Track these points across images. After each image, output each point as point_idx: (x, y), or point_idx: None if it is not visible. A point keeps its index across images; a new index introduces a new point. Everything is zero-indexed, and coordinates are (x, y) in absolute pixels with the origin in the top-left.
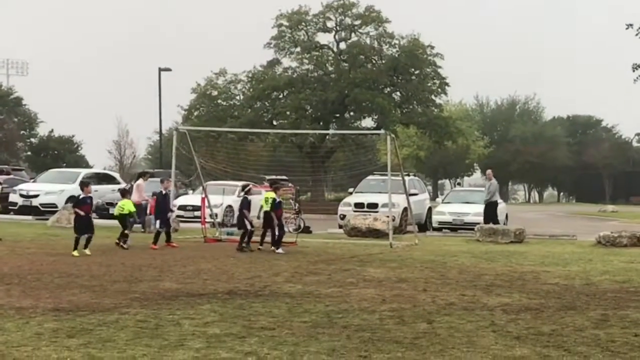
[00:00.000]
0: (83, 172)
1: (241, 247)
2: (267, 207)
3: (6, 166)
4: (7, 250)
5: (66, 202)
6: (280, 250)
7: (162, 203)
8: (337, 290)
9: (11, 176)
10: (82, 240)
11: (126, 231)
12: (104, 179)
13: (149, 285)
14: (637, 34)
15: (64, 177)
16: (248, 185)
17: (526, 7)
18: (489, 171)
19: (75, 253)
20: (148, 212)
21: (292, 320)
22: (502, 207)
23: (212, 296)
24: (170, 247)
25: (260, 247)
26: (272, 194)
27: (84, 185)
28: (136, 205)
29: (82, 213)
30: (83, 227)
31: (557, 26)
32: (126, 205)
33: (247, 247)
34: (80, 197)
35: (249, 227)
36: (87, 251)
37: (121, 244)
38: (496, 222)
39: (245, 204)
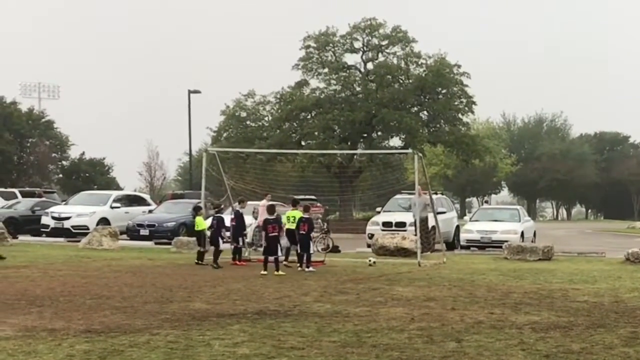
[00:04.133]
0: (114, 194)
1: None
2: (290, 225)
3: (38, 189)
4: (40, 272)
5: (97, 224)
6: (311, 269)
7: (240, 222)
8: (365, 309)
9: (43, 199)
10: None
11: (200, 249)
12: (134, 200)
13: (179, 306)
14: None
15: (95, 199)
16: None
17: (554, 25)
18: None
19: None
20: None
21: (321, 340)
22: (530, 224)
23: (242, 316)
24: (235, 265)
25: (286, 263)
26: (296, 213)
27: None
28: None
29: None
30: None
31: (584, 43)
32: (199, 223)
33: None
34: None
35: (221, 244)
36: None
37: (199, 262)
38: None
39: (221, 222)
